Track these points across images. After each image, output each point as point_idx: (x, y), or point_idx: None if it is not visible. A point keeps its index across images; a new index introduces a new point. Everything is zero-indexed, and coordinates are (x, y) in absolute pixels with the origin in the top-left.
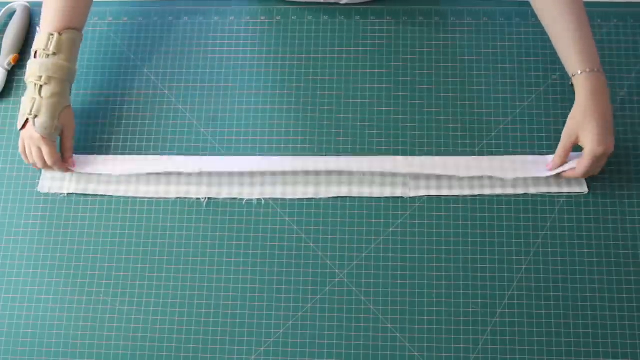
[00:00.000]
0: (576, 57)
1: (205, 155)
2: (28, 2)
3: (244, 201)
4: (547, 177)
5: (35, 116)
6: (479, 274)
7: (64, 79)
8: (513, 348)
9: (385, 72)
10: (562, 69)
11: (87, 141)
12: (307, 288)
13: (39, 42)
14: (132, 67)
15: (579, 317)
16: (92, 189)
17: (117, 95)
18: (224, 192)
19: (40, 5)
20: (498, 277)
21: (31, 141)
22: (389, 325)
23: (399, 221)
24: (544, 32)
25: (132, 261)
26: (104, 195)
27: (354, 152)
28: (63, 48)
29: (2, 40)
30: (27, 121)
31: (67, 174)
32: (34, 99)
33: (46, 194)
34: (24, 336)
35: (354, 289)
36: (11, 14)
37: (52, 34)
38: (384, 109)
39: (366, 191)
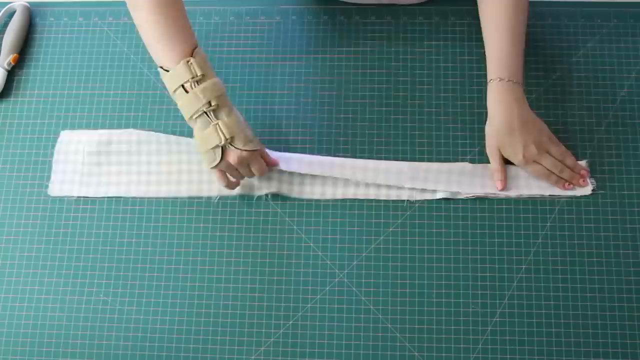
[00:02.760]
0: (490, 64)
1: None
2: (28, 2)
3: (254, 198)
4: (552, 186)
5: (231, 138)
6: (479, 274)
7: (225, 92)
8: (513, 348)
9: (385, 72)
10: (562, 69)
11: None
12: (307, 288)
13: (180, 75)
14: (132, 67)
15: (579, 317)
16: (102, 191)
17: (117, 95)
18: (235, 189)
19: (40, 5)
20: (498, 277)
21: (240, 164)
22: (389, 325)
23: (399, 221)
24: (542, 32)
25: (132, 261)
26: (104, 196)
27: (353, 152)
28: (204, 67)
29: (2, 40)
30: (223, 151)
31: (77, 178)
32: (216, 126)
33: (46, 195)
34: (24, 336)
35: (354, 289)
36: (11, 14)
37: (187, 61)
38: (383, 109)
39: (372, 193)
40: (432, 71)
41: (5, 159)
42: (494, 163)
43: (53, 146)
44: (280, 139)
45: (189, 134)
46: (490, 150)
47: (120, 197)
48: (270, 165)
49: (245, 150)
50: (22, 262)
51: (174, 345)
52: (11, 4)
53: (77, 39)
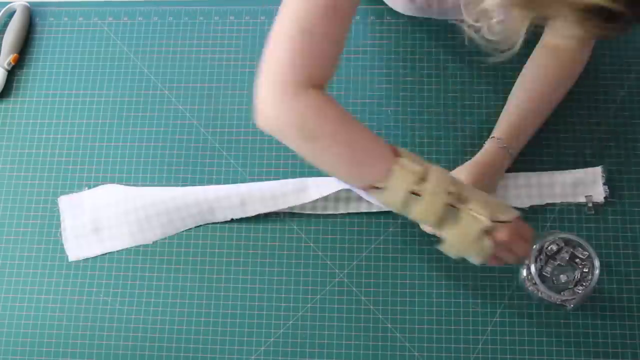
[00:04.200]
0: (498, 124)
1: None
2: (28, 2)
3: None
4: (564, 191)
5: (492, 216)
6: (478, 274)
7: (447, 172)
8: (513, 348)
9: (386, 72)
10: None
11: (87, 141)
12: (307, 288)
13: (403, 181)
14: (132, 67)
15: (579, 317)
16: (119, 245)
17: (117, 95)
18: (250, 209)
19: (40, 5)
20: (498, 277)
21: (513, 239)
22: (389, 325)
23: (399, 221)
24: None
25: (132, 261)
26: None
27: None
28: (417, 158)
29: (2, 40)
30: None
31: (93, 237)
32: (469, 212)
33: (46, 195)
34: (24, 336)
35: (354, 289)
36: (11, 14)
37: (400, 164)
38: (384, 109)
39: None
40: (432, 71)
41: (5, 159)
42: None
43: (53, 146)
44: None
45: (189, 133)
46: None
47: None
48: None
49: (511, 221)
50: (22, 262)
51: (174, 345)
52: (11, 4)
53: (77, 39)
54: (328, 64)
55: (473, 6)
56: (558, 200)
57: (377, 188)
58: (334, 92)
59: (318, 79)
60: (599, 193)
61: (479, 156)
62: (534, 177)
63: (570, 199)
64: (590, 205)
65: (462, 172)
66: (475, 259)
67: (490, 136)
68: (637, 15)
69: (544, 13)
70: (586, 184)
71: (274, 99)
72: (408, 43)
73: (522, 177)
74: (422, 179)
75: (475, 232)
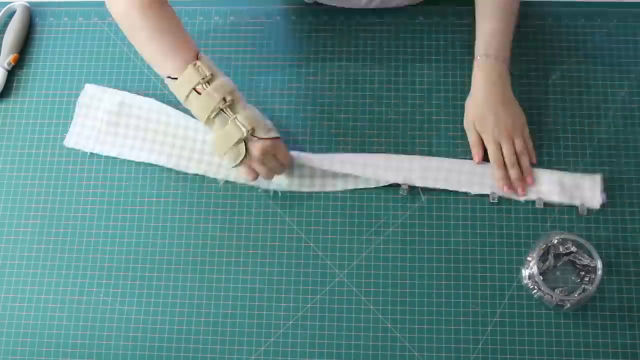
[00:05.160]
0: (479, 41)
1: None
2: (28, 2)
3: (254, 198)
4: (562, 191)
5: (252, 130)
6: (479, 274)
7: (236, 87)
8: (513, 348)
9: (385, 72)
10: (562, 69)
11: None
12: (307, 288)
13: (190, 79)
14: (132, 67)
15: (579, 317)
16: (116, 152)
17: None
18: (242, 179)
19: (40, 5)
20: (498, 277)
21: (265, 155)
22: (389, 325)
23: (399, 221)
24: (543, 33)
25: (132, 261)
26: (104, 193)
27: (353, 151)
28: (212, 67)
29: (2, 40)
30: (245, 145)
31: (94, 135)
32: (234, 120)
33: (46, 194)
34: (24, 336)
35: (354, 289)
36: (11, 14)
37: (195, 64)
38: (383, 108)
39: (372, 182)
40: (431, 71)
41: (5, 159)
42: (471, 137)
43: (53, 146)
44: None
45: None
46: (467, 124)
47: (129, 160)
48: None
49: (268, 139)
50: (22, 262)
51: (174, 345)
52: (11, 4)
53: (77, 39)
54: None
55: None
56: (556, 200)
57: (172, 79)
58: (328, 92)
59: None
60: (596, 200)
61: (478, 81)
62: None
63: (566, 201)
64: (583, 210)
65: (475, 106)
66: (231, 163)
67: (476, 56)
68: None
69: None
70: (584, 189)
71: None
72: (402, 43)
73: (538, 172)
74: (208, 82)
75: (233, 138)
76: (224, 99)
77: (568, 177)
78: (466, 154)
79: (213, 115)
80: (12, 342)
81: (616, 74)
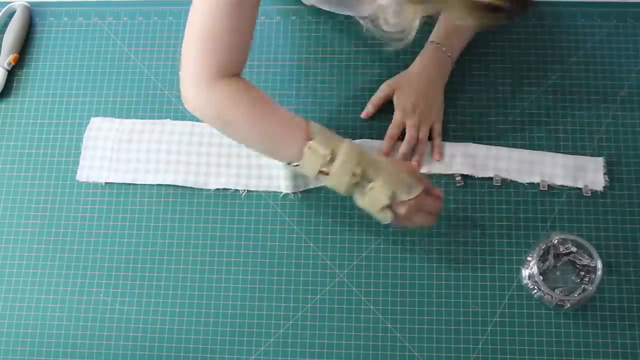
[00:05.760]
0: (438, 30)
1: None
2: (28, 2)
3: (260, 191)
4: (565, 174)
5: (393, 194)
6: (479, 274)
7: (362, 150)
8: (513, 348)
9: (386, 72)
10: (562, 69)
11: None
12: (307, 288)
13: (311, 164)
14: (132, 67)
15: (579, 317)
16: (130, 178)
17: (117, 95)
18: (263, 184)
19: (40, 5)
20: (498, 277)
21: (413, 213)
22: (389, 325)
23: None
24: (542, 32)
25: (132, 261)
26: (104, 192)
27: None
28: (327, 142)
29: (2, 40)
30: (392, 207)
31: (106, 164)
32: (372, 190)
33: (46, 195)
34: (24, 336)
35: (354, 289)
36: (11, 14)
37: (309, 147)
38: (384, 108)
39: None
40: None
41: (5, 159)
42: (376, 95)
43: (53, 146)
44: None
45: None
46: (384, 86)
47: (137, 184)
48: (439, 197)
49: (412, 199)
50: (22, 262)
51: (174, 345)
52: (11, 4)
53: (77, 39)
54: (237, 55)
55: (369, 2)
56: (558, 183)
57: (295, 165)
58: (328, 92)
59: (230, 69)
60: (598, 182)
61: (420, 61)
62: (537, 155)
63: (570, 183)
64: (587, 191)
65: (406, 77)
66: (383, 222)
67: (429, 41)
68: (515, 8)
69: (436, 7)
70: (587, 171)
71: (192, 93)
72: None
73: (527, 153)
74: (331, 159)
75: (377, 206)
76: (354, 174)
77: (571, 160)
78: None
79: (350, 190)
80: (12, 342)
81: (616, 74)
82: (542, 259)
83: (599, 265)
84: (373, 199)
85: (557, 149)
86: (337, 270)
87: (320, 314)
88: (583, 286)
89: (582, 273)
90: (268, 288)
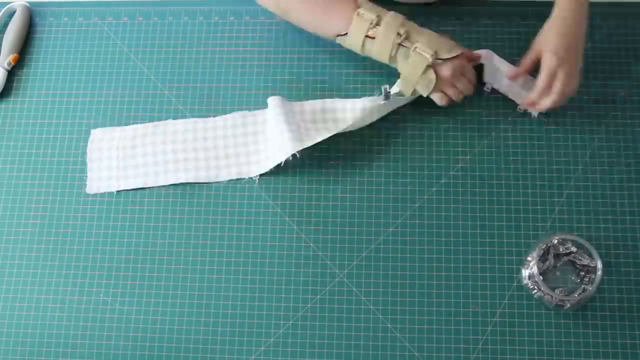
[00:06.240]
0: None
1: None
2: (28, 2)
3: (254, 198)
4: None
5: (435, 52)
6: (479, 274)
7: (404, 18)
8: (513, 348)
9: (386, 72)
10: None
11: (87, 141)
12: (307, 288)
13: (358, 28)
14: (132, 67)
15: (579, 317)
16: (141, 182)
17: (117, 95)
18: (271, 163)
19: (40, 5)
20: (498, 277)
21: (454, 75)
22: (389, 325)
23: (399, 221)
24: None
25: (132, 261)
26: (104, 193)
27: (353, 152)
28: (374, 8)
29: (2, 40)
30: (435, 71)
31: (114, 174)
32: (416, 50)
33: (46, 195)
34: (24, 336)
35: (354, 289)
36: (11, 14)
37: (357, 13)
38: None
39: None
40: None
41: (5, 159)
42: (526, 57)
43: (53, 146)
44: None
45: None
46: (534, 45)
47: (145, 188)
48: (477, 60)
49: (454, 57)
50: (22, 262)
51: (174, 345)
52: (11, 4)
53: (77, 39)
54: None
55: None
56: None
57: (343, 35)
58: (328, 92)
59: None
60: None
61: (557, 14)
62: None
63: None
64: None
65: (549, 32)
66: (424, 92)
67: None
68: None
69: None
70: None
71: None
72: None
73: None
74: (377, 24)
75: (421, 67)
76: (399, 34)
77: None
78: (467, 154)
79: (394, 53)
80: (12, 342)
81: (616, 74)
82: (542, 259)
83: (599, 265)
84: (417, 58)
85: (555, 148)
86: (337, 270)
87: (320, 314)
88: (583, 286)
89: (582, 273)
90: (268, 288)
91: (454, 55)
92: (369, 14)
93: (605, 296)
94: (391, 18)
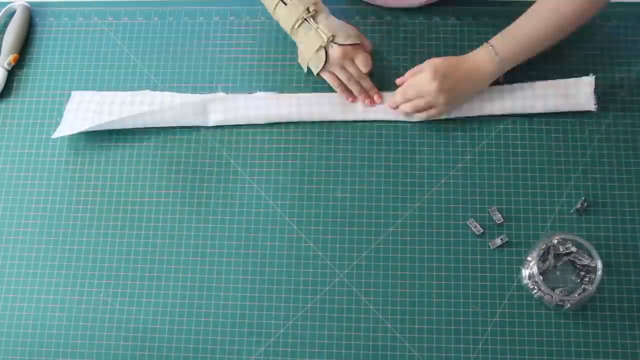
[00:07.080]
0: (501, 34)
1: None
2: (28, 2)
3: (254, 198)
4: (556, 101)
5: (332, 37)
6: (479, 274)
7: (320, 0)
8: (513, 348)
9: (385, 71)
10: (562, 69)
11: (87, 140)
12: (307, 288)
13: None
14: (132, 67)
15: (579, 317)
16: (108, 126)
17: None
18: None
19: (40, 5)
20: (498, 277)
21: (345, 59)
22: (389, 325)
23: (399, 221)
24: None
25: (132, 261)
26: (104, 193)
27: (353, 152)
28: None
29: (2, 40)
30: (326, 53)
31: (88, 124)
32: (317, 29)
33: (46, 195)
34: (24, 336)
35: (354, 289)
36: (11, 14)
37: None
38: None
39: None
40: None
41: (5, 159)
42: (414, 69)
43: (53, 146)
44: (280, 138)
45: (189, 133)
46: (426, 64)
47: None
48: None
49: (347, 45)
50: (22, 262)
51: (174, 345)
52: (11, 4)
53: (77, 39)
54: None
55: None
56: (551, 104)
57: None
58: (327, 92)
59: None
60: (590, 101)
61: (466, 55)
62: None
63: (562, 107)
64: (579, 206)
65: (442, 61)
66: (315, 70)
67: (489, 42)
68: None
69: None
70: (579, 89)
71: None
72: (402, 43)
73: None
74: None
75: (315, 45)
76: (307, 10)
77: (562, 83)
78: (467, 154)
79: (297, 24)
80: (12, 342)
81: (616, 74)
82: (542, 259)
83: (599, 265)
84: (314, 36)
85: (555, 148)
86: (337, 270)
87: (320, 314)
88: (583, 286)
89: (582, 273)
90: (268, 288)
91: (350, 43)
92: None
93: (605, 296)
94: None
